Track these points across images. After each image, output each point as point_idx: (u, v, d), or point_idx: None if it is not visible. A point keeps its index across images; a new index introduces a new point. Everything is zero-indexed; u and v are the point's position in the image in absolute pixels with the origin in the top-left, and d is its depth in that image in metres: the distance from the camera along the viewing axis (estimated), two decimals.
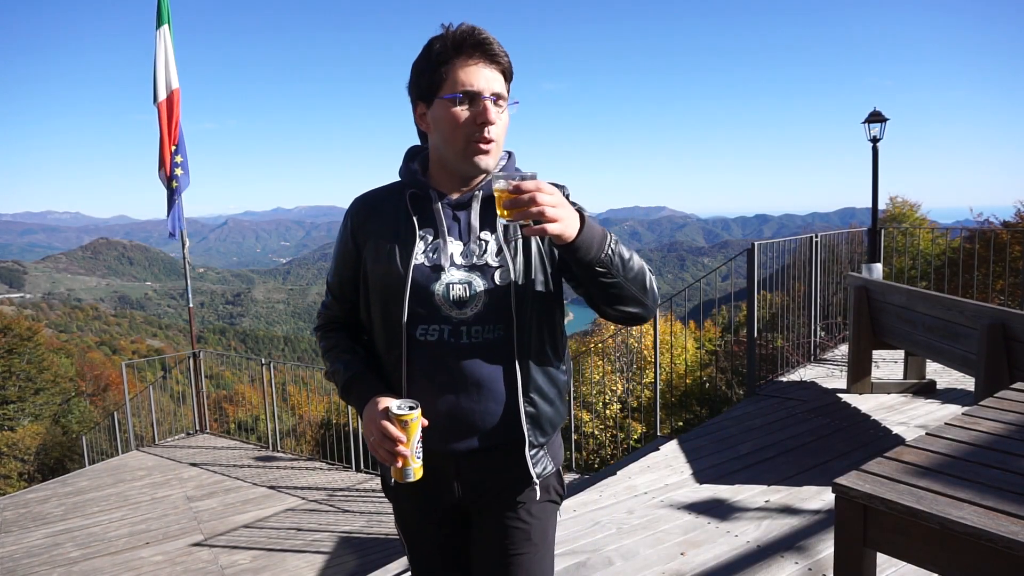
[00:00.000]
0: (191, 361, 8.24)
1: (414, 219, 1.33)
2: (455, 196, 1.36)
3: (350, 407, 2.15)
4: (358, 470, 6.61)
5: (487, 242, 1.34)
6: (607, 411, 12.40)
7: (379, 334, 1.36)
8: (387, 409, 1.24)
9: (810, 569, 2.71)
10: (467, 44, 1.25)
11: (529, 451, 1.36)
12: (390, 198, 1.38)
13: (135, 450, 7.71)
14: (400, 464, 1.24)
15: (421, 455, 1.26)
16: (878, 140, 9.08)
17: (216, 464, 6.87)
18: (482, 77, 1.26)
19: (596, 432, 11.89)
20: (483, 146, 1.27)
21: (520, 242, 1.33)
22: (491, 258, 1.33)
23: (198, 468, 6.76)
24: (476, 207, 1.35)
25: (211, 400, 13.09)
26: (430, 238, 1.33)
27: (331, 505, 5.62)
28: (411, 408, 1.23)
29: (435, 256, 1.32)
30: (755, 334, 5.48)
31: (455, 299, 1.30)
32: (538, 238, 1.33)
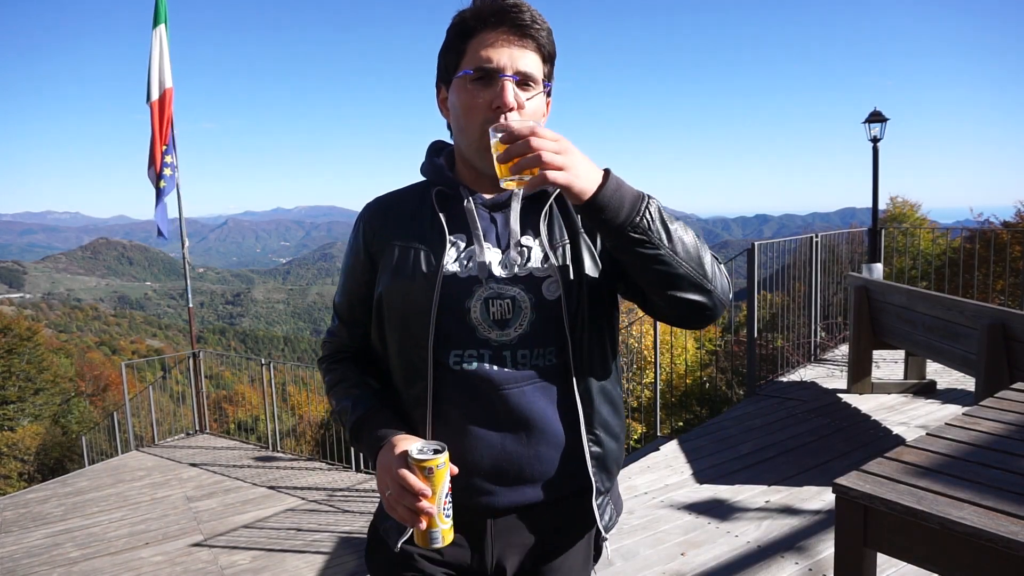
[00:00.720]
0: (191, 361, 8.24)
1: (443, 220, 1.10)
2: (489, 195, 1.14)
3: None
4: (358, 470, 6.61)
5: (530, 248, 1.10)
6: None
7: (397, 364, 1.12)
8: (405, 454, 0.99)
9: (810, 569, 2.71)
10: (492, 13, 1.04)
11: (596, 499, 1.13)
12: (412, 199, 1.16)
13: (135, 450, 7.71)
14: (424, 525, 0.97)
15: (451, 513, 0.99)
16: (878, 140, 9.09)
17: (216, 464, 6.87)
18: (505, 52, 1.04)
19: None
20: None
21: (568, 247, 1.11)
22: (536, 266, 1.09)
23: (198, 468, 6.76)
24: (516, 207, 1.12)
25: (211, 400, 13.08)
26: (462, 244, 1.10)
27: (331, 505, 5.61)
28: (435, 452, 0.97)
29: (469, 265, 1.08)
30: (755, 334, 5.48)
31: (495, 318, 1.07)
32: (587, 238, 1.13)
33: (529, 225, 1.12)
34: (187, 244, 8.16)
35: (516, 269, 1.09)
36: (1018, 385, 2.36)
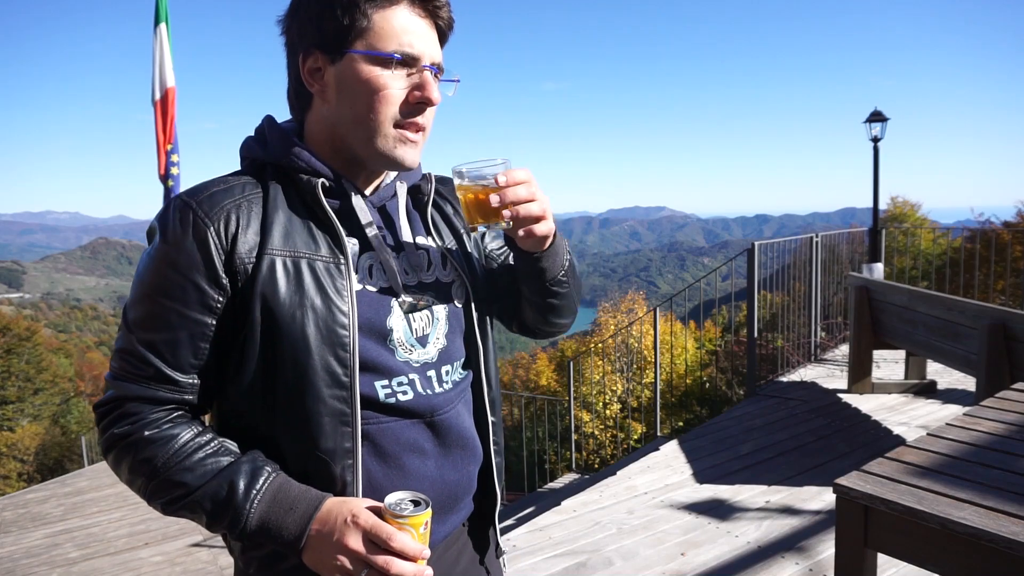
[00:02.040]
0: None
1: (336, 223, 0.90)
2: (370, 190, 0.98)
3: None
4: None
5: (428, 250, 1.00)
6: (607, 411, 12.42)
7: (299, 413, 0.86)
8: (380, 511, 0.81)
9: (811, 570, 2.71)
10: None
11: (496, 510, 1.08)
12: (269, 193, 0.90)
13: None
14: None
15: None
16: (879, 140, 9.09)
17: None
18: (424, 35, 0.89)
19: (596, 432, 11.90)
20: (412, 135, 0.91)
21: (458, 248, 1.04)
22: (440, 272, 0.99)
23: None
24: (403, 204, 0.99)
25: None
26: (356, 250, 0.92)
27: None
28: (416, 505, 0.82)
29: (376, 276, 0.93)
30: (755, 334, 5.48)
31: (418, 335, 0.94)
32: (467, 238, 1.07)
33: (417, 223, 1.02)
34: None
35: (422, 276, 0.97)
36: (1019, 385, 2.36)
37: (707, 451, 4.21)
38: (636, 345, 12.46)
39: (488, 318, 1.07)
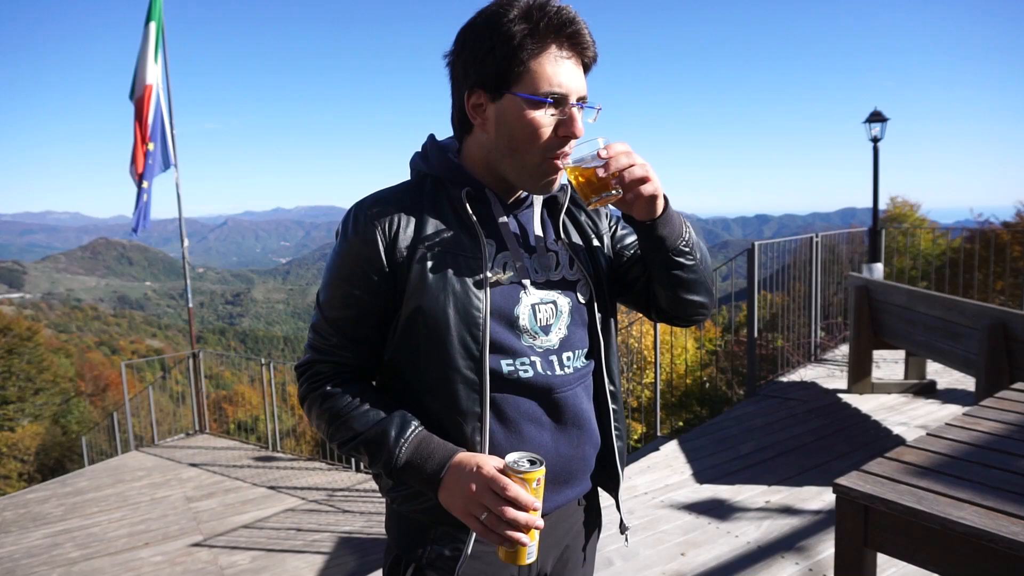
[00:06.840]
0: (191, 361, 8.23)
1: (477, 225, 1.06)
2: (511, 200, 1.13)
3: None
4: (358, 470, 6.61)
5: (558, 252, 1.13)
6: None
7: (439, 379, 1.03)
8: (499, 469, 0.93)
9: (811, 570, 2.71)
10: (559, 30, 0.99)
11: (619, 491, 1.20)
12: (419, 199, 1.07)
13: (134, 450, 7.70)
14: (527, 540, 0.91)
15: None
16: (879, 140, 9.09)
17: (216, 464, 6.87)
18: (573, 76, 1.01)
19: None
20: (558, 164, 1.03)
21: (587, 251, 1.17)
22: (567, 271, 1.12)
23: (197, 468, 6.75)
24: (538, 211, 1.14)
25: (211, 400, 13.07)
26: (493, 248, 1.07)
27: (331, 505, 5.61)
28: (532, 463, 0.93)
29: (507, 270, 1.07)
30: (755, 334, 5.48)
31: (542, 323, 1.07)
32: (596, 243, 1.19)
33: (548, 229, 1.15)
34: (187, 244, 8.15)
35: (551, 274, 1.10)
36: (1018, 385, 2.36)
37: (707, 451, 4.21)
38: (636, 345, 12.45)
39: (611, 317, 1.18)
